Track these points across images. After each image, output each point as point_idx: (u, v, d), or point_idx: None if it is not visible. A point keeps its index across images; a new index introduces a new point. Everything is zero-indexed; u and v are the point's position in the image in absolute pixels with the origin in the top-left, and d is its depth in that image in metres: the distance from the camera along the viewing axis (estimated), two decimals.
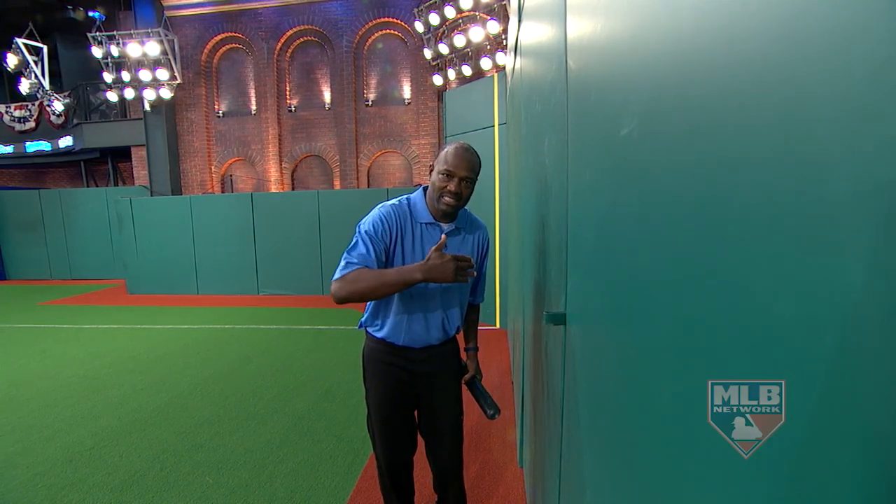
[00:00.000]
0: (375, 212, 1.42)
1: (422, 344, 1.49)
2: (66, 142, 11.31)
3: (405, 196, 1.48)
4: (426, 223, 1.43)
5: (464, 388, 1.64)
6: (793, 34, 0.25)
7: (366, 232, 1.38)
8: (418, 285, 1.35)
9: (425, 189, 1.47)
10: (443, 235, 1.32)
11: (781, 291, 0.26)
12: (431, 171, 1.42)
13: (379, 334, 1.50)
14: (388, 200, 1.47)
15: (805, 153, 0.24)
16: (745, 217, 0.30)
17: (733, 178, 0.31)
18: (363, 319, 1.56)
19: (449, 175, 1.35)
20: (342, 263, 1.35)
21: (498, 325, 5.04)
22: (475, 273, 1.37)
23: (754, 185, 0.29)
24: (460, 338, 1.63)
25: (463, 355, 1.66)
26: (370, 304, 1.52)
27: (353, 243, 1.39)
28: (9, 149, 11.56)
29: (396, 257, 1.42)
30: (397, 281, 1.30)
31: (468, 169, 1.36)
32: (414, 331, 1.46)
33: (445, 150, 1.39)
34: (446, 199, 1.37)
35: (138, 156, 11.00)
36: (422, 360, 1.50)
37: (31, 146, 11.48)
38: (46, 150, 11.44)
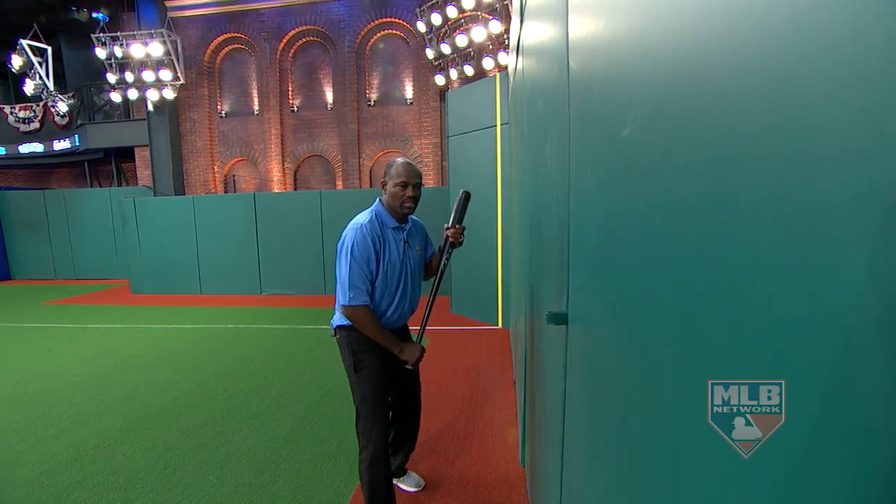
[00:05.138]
0: (357, 235, 1.67)
1: (401, 323, 1.89)
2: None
3: (369, 211, 1.77)
4: (393, 228, 1.77)
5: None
6: (796, 33, 0.25)
7: (356, 259, 1.66)
8: (398, 268, 1.76)
9: (380, 201, 1.80)
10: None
11: (782, 292, 0.26)
12: (384, 185, 1.77)
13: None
14: (358, 218, 1.74)
15: (807, 153, 0.24)
16: (746, 217, 0.30)
17: (734, 178, 0.31)
18: (341, 321, 1.77)
19: (404, 185, 1.73)
20: (350, 290, 1.66)
21: (500, 325, 5.03)
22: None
23: (755, 186, 0.29)
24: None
25: (436, 258, 1.99)
26: (338, 302, 1.77)
27: (348, 268, 1.66)
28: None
29: (380, 265, 1.72)
30: (384, 343, 1.72)
31: (417, 176, 1.76)
32: (402, 308, 1.82)
33: (394, 166, 1.76)
34: (408, 204, 1.75)
35: (142, 156, 11.04)
36: (400, 339, 1.82)
37: None
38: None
